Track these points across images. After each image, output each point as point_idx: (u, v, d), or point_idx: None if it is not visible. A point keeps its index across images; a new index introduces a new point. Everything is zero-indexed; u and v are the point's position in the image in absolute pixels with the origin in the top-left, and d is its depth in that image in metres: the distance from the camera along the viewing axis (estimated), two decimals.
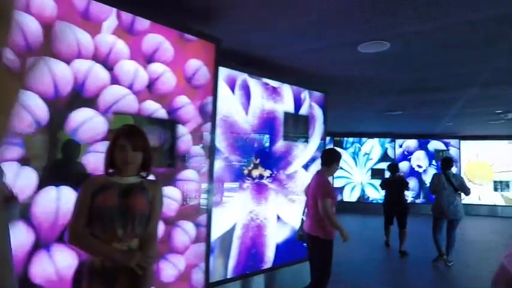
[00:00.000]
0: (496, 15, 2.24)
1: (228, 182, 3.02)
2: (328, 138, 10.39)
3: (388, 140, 9.82)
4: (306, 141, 3.84)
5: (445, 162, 4.84)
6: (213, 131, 2.66)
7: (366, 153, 9.85)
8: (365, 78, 3.94)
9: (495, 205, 9.56)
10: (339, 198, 9.81)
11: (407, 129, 9.08)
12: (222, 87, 2.90)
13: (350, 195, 9.81)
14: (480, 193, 9.68)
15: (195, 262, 2.47)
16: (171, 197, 2.32)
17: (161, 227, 2.19)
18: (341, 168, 9.75)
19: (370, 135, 9.85)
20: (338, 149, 3.21)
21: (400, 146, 10.01)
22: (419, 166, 9.81)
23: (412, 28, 2.54)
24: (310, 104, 3.92)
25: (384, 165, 9.66)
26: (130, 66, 2.12)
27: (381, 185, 6.14)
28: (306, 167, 3.80)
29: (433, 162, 9.76)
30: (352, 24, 2.47)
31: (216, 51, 2.59)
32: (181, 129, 2.43)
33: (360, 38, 2.75)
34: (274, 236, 3.39)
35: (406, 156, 9.93)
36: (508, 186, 9.50)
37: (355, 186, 9.82)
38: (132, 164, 1.35)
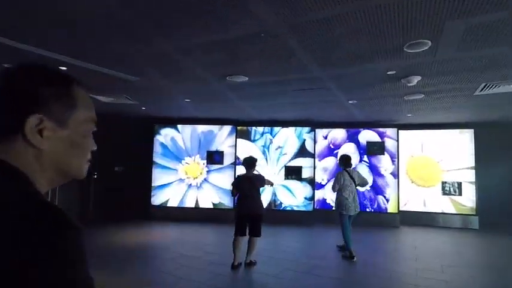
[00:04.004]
0: None
1: None
2: (229, 128, 8.33)
3: (306, 129, 7.66)
4: None
5: (346, 160, 5.07)
6: None
7: (279, 147, 7.69)
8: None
9: (443, 213, 7.40)
10: None
11: (331, 115, 6.93)
12: None
13: None
14: (426, 197, 7.53)
15: None
16: None
17: None
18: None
19: (285, 124, 7.69)
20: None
21: (325, 138, 7.85)
22: None
23: None
24: None
25: (300, 161, 7.55)
26: None
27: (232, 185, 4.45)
28: None
29: (365, 158, 7.60)
30: None
31: None
32: None
33: None
34: None
35: (332, 150, 7.78)
36: (460, 189, 7.34)
37: (263, 189, 7.65)
38: None
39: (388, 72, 3.60)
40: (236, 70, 3.74)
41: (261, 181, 4.39)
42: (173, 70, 3.80)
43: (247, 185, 4.24)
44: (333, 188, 4.89)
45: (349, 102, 5.21)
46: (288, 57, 3.25)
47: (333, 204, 7.59)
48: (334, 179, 5.03)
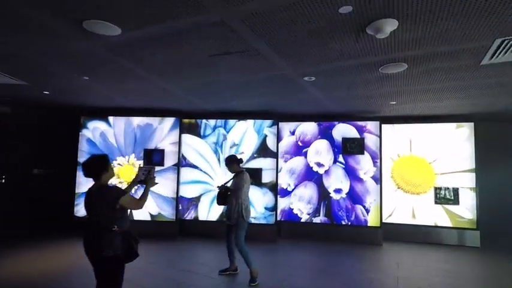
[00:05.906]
0: None
1: None
2: (172, 120, 6.83)
3: (268, 122, 6.19)
4: None
5: (238, 159, 4.25)
6: None
7: (235, 144, 6.22)
8: None
9: (437, 226, 5.98)
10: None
11: (297, 104, 5.49)
12: None
13: (209, 211, 6.16)
14: (415, 207, 6.10)
15: None
16: None
17: None
18: (195, 167, 6.18)
19: (242, 116, 6.22)
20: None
21: (292, 133, 6.39)
22: (320, 165, 6.20)
23: None
24: None
25: (261, 162, 6.10)
26: None
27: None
28: None
29: (340, 158, 6.15)
30: None
31: None
32: None
33: None
34: None
35: (301, 148, 6.32)
36: (457, 196, 5.92)
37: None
38: None
39: (341, 10, 2.14)
40: (87, 7, 2.23)
41: (108, 203, 2.21)
42: None
43: (87, 205, 2.34)
44: (240, 195, 3.88)
45: (305, 79, 3.75)
46: None
47: (301, 214, 6.15)
48: (237, 182, 3.97)
